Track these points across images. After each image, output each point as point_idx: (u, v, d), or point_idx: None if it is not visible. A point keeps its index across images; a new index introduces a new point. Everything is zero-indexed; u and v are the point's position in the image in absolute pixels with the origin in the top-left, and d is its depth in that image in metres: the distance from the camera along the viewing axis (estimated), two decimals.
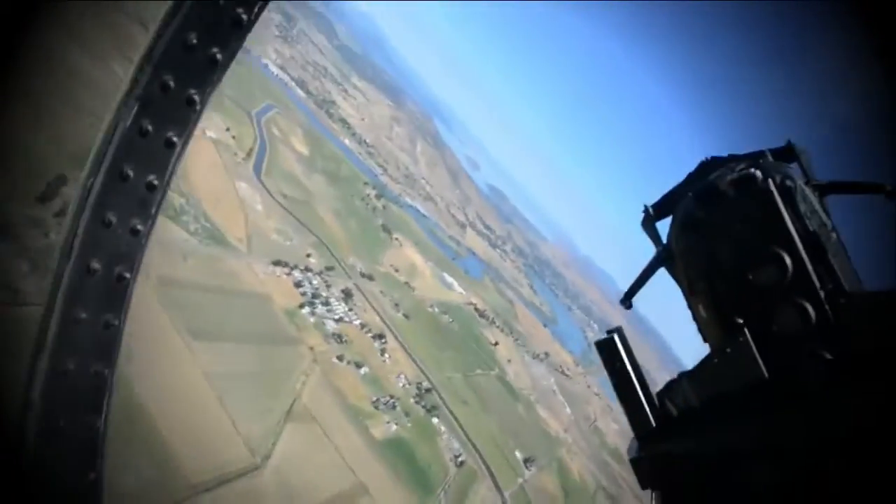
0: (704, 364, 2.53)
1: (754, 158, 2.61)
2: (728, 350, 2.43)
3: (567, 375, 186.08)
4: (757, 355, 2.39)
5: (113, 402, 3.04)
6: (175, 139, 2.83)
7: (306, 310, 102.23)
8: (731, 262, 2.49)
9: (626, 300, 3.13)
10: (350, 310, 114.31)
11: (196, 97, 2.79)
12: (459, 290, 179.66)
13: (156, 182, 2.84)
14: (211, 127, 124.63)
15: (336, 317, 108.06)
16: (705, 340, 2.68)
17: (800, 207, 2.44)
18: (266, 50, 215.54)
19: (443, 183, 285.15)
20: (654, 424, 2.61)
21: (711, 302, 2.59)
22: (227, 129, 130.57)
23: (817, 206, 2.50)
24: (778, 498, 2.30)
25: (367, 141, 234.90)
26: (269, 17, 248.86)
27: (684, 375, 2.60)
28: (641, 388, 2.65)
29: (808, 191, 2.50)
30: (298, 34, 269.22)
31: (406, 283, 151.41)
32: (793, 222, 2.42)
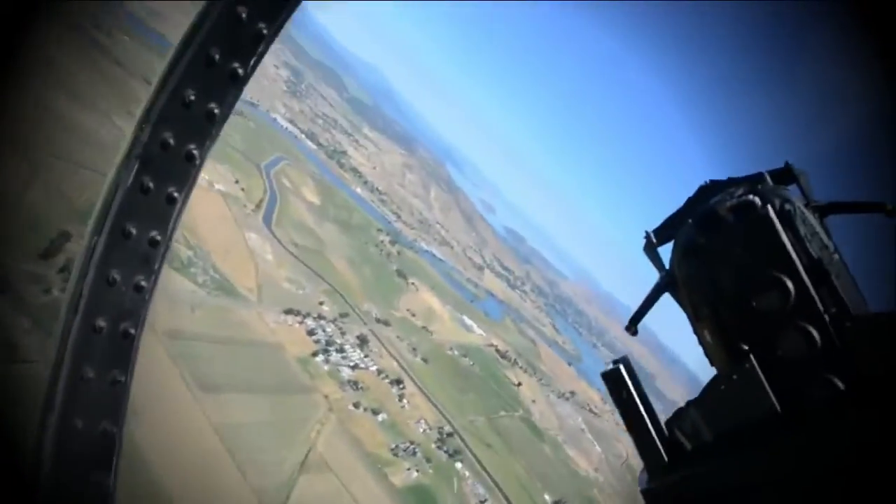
0: (712, 391, 2.54)
1: (753, 182, 2.61)
2: (734, 377, 2.44)
3: (595, 413, 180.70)
4: (764, 382, 2.39)
5: (121, 459, 3.02)
6: (176, 194, 2.87)
7: (320, 357, 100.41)
8: (734, 289, 2.50)
9: (632, 326, 3.01)
10: (366, 356, 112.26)
11: (195, 152, 2.85)
12: (479, 331, 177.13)
13: (158, 238, 2.89)
14: (219, 180, 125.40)
15: (351, 363, 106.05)
16: (712, 365, 2.66)
17: (800, 231, 2.45)
18: (275, 104, 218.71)
19: (458, 227, 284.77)
20: (663, 454, 2.62)
21: (716, 328, 2.59)
22: (237, 182, 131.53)
23: (818, 229, 2.51)
24: None
25: (380, 188, 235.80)
26: (278, 73, 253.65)
27: (692, 403, 2.60)
28: (650, 418, 2.67)
29: (808, 213, 2.51)
30: (307, 89, 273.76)
31: (423, 327, 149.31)
32: (793, 246, 2.43)
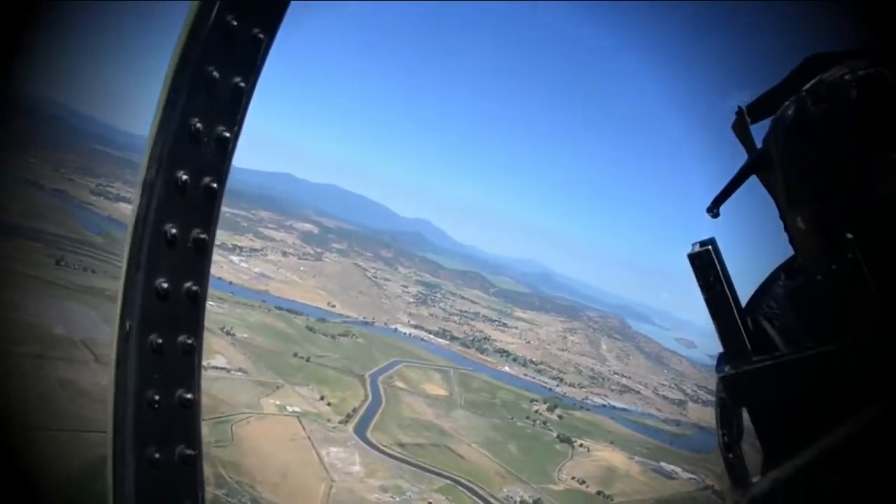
0: (803, 278, 2.28)
1: (872, 55, 2.17)
2: (833, 266, 2.13)
3: None
4: (868, 275, 2.07)
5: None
6: (261, 36, 2.59)
7: None
8: (846, 171, 2.15)
9: (714, 208, 2.59)
10: None
11: None
12: (686, 475, 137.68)
13: (242, 85, 2.62)
14: (298, 402, 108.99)
15: None
16: (797, 253, 2.37)
17: None
18: (396, 317, 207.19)
19: (643, 369, 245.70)
20: (746, 341, 2.33)
21: (815, 214, 2.25)
22: (321, 398, 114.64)
23: None
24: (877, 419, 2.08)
25: (534, 360, 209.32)
26: (406, 291, 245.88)
27: (779, 290, 2.37)
28: (734, 303, 2.38)
29: None
30: (444, 295, 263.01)
31: (599, 492, 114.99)
32: None
